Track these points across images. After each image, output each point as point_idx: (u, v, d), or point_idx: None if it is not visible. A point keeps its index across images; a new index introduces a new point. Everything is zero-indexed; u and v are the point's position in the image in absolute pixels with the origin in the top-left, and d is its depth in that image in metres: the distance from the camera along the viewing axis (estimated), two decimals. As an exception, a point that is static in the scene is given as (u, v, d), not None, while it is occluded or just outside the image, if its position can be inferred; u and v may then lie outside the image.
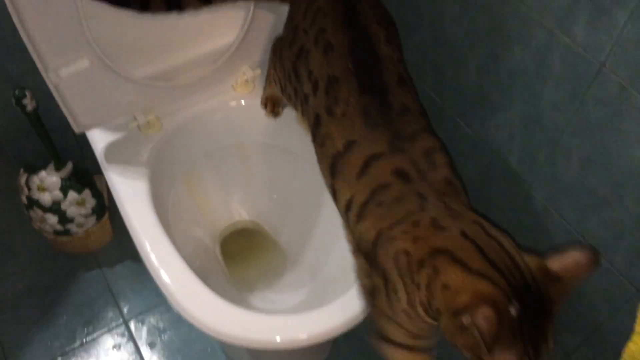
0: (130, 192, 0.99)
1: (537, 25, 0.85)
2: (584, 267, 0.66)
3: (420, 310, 0.71)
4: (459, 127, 1.13)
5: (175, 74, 1.05)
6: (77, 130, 1.00)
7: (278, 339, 0.83)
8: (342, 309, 0.85)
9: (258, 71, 1.14)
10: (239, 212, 1.27)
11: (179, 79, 1.05)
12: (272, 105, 1.13)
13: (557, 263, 0.67)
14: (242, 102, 1.15)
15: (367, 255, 0.78)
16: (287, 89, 0.99)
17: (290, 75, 0.95)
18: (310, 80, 0.88)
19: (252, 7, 1.04)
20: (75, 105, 0.96)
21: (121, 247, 1.45)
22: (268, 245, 1.27)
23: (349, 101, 0.83)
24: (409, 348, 0.80)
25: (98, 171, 1.32)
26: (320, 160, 0.88)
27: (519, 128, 0.99)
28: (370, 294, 0.81)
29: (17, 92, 1.07)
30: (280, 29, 1.08)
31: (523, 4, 0.86)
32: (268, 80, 1.11)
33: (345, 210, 0.81)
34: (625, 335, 0.97)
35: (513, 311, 0.63)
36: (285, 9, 1.00)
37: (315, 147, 0.88)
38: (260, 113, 1.14)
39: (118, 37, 0.94)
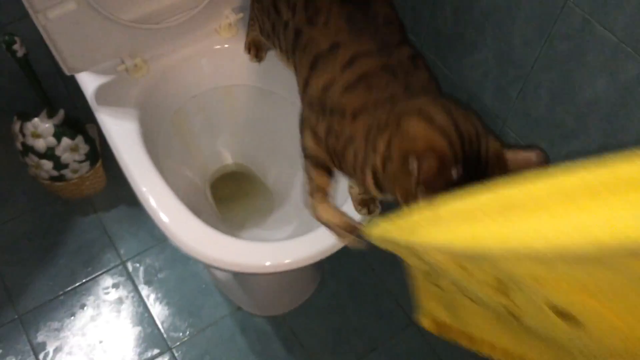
0: (121, 133, 1.02)
1: (506, -38, 0.89)
2: (532, 166, 0.70)
3: (368, 172, 0.77)
4: (436, 67, 1.16)
5: (159, 17, 1.07)
6: (67, 72, 1.03)
7: (268, 263, 0.90)
8: (325, 235, 0.91)
9: (240, 15, 1.16)
10: (226, 155, 1.32)
11: (164, 22, 1.08)
12: (256, 50, 1.16)
13: (512, 154, 0.71)
14: (226, 45, 1.18)
15: (342, 116, 0.82)
16: (266, 25, 1.02)
17: (270, 10, 0.98)
18: (289, 7, 0.92)
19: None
20: (64, 47, 0.98)
21: (115, 192, 1.49)
22: (256, 186, 1.32)
23: (330, 10, 0.86)
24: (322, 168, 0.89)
25: (89, 120, 1.36)
26: (300, 63, 0.91)
27: (492, 66, 1.03)
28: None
29: (6, 37, 1.09)
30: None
31: (493, -59, 0.89)
32: (251, 23, 1.14)
33: (323, 92, 0.85)
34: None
35: (454, 174, 0.67)
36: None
37: (297, 54, 0.91)
38: (244, 57, 1.17)
39: (103, -20, 0.97)
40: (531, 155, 0.70)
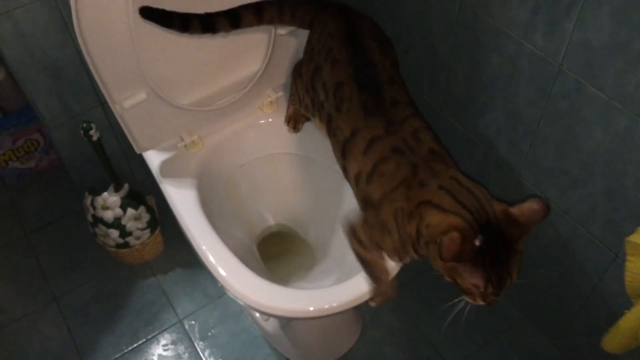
0: (182, 200, 1.17)
1: (506, 37, 1.03)
2: (537, 214, 0.82)
3: (410, 249, 0.91)
4: (454, 127, 1.30)
5: (212, 100, 1.25)
6: (137, 151, 1.20)
7: (311, 307, 1.00)
8: (361, 283, 1.02)
9: (280, 93, 1.34)
10: (271, 216, 1.45)
11: (216, 103, 1.25)
12: (294, 122, 1.33)
13: (517, 209, 0.83)
14: (269, 120, 1.35)
15: (373, 208, 0.98)
16: (305, 99, 1.19)
17: (308, 88, 1.15)
18: (324, 90, 1.09)
19: (272, 38, 1.23)
20: (136, 130, 1.16)
21: (172, 256, 1.63)
22: (298, 244, 1.44)
23: (351, 99, 1.03)
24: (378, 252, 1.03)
25: (148, 192, 1.53)
26: (334, 148, 1.09)
27: (503, 123, 1.16)
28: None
29: (84, 125, 1.28)
30: (293, 59, 1.28)
31: (493, 20, 1.04)
32: (291, 100, 1.31)
33: (356, 182, 1.02)
34: (613, 294, 1.11)
35: (477, 242, 0.80)
36: (301, 37, 1.21)
37: (330, 139, 1.09)
38: (284, 128, 1.33)
39: (167, 73, 1.15)
40: (533, 204, 0.82)
